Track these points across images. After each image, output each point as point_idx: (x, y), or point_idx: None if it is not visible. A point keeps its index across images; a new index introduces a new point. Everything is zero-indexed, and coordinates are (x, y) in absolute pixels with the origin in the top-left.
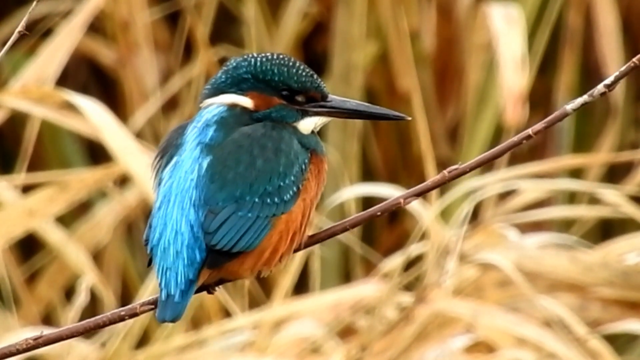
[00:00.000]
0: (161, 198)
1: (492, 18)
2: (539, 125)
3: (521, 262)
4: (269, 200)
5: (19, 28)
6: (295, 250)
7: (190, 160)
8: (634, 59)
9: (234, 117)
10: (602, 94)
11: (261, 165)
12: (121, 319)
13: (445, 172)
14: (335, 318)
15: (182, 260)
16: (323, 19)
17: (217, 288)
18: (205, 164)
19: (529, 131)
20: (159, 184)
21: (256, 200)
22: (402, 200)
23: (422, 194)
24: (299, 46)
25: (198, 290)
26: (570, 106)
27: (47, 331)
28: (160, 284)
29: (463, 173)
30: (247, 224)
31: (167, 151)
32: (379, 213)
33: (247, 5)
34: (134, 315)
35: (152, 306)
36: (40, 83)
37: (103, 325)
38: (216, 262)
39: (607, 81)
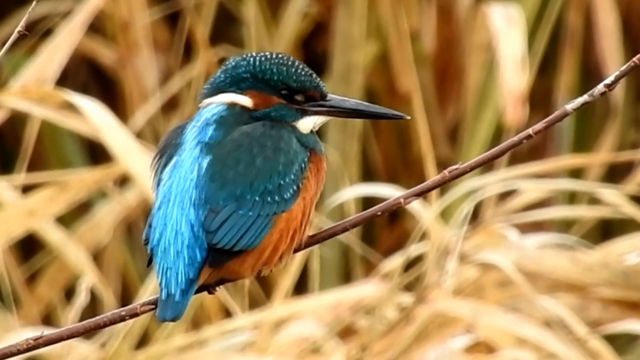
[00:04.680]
0: (161, 198)
1: (492, 18)
2: (539, 125)
3: (521, 262)
4: (269, 199)
5: (19, 28)
6: (296, 250)
7: (190, 160)
8: (634, 59)
9: (234, 116)
10: (602, 94)
11: (261, 163)
12: (122, 319)
13: (445, 172)
14: (335, 318)
15: (182, 259)
16: (323, 19)
17: (217, 288)
18: (205, 164)
19: (529, 131)
20: (159, 184)
21: (257, 198)
22: (402, 200)
23: (422, 194)
24: (299, 46)
25: (198, 291)
26: (570, 106)
27: (48, 331)
28: (160, 284)
29: (463, 173)
30: (248, 222)
31: (166, 151)
32: (379, 213)
33: (247, 6)
34: (134, 315)
35: (153, 306)
36: (40, 83)
37: (104, 325)
38: (217, 261)
39: (607, 81)
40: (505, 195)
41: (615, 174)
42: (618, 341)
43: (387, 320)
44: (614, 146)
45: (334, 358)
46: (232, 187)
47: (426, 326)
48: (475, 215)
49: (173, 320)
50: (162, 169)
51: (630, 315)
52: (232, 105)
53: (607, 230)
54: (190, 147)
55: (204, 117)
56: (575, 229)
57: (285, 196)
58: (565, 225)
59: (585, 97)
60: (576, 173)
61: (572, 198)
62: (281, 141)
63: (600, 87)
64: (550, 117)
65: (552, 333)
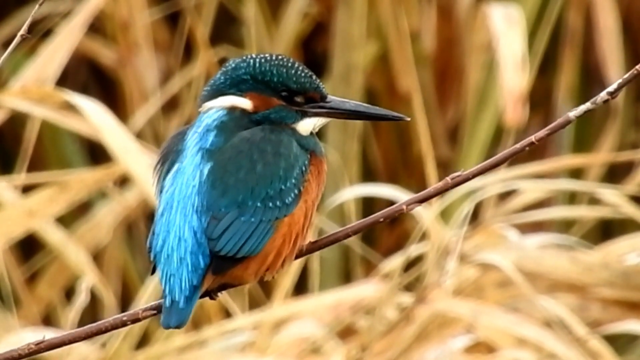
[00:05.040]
0: (163, 205)
1: (492, 18)
2: (541, 132)
3: (521, 263)
4: (271, 204)
5: (21, 31)
6: (297, 256)
7: (192, 167)
8: (637, 67)
9: (234, 120)
10: (605, 102)
11: (261, 169)
12: (123, 324)
13: (448, 178)
14: (336, 318)
15: (186, 266)
16: (323, 19)
17: (219, 293)
18: (206, 170)
19: (532, 138)
20: (161, 191)
21: (258, 204)
22: (405, 207)
23: (425, 200)
24: (299, 46)
25: (201, 296)
26: (573, 113)
27: (49, 334)
28: (164, 291)
29: (466, 180)
30: (251, 228)
31: (168, 157)
32: (381, 219)
33: (247, 6)
34: (136, 320)
35: (155, 311)
36: (40, 83)
37: (105, 330)
38: (221, 268)
39: (610, 89)
40: (505, 195)
41: (615, 174)
42: (618, 341)
43: (387, 320)
44: (614, 146)
45: (334, 358)
46: (234, 193)
47: (426, 326)
48: (475, 215)
49: (178, 327)
50: (165, 175)
51: (630, 315)
52: (232, 110)
53: (607, 230)
54: (192, 154)
55: (205, 123)
56: (575, 229)
57: (286, 200)
58: (565, 225)
59: (587, 105)
60: (576, 173)
61: (572, 198)
62: (281, 145)
63: (603, 95)
64: (553, 124)
65: (552, 333)
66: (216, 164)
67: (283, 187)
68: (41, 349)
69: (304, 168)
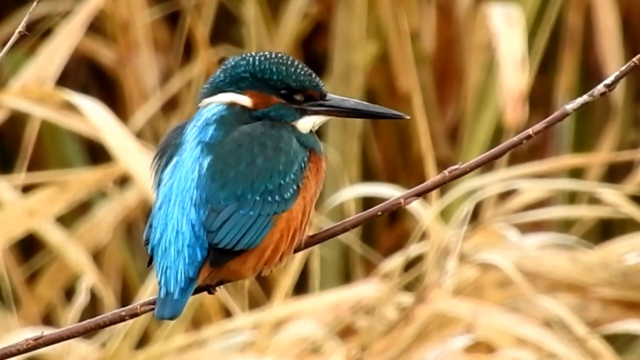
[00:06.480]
0: (162, 198)
1: (492, 18)
2: (539, 125)
3: (521, 262)
4: (270, 198)
5: (19, 28)
6: (296, 250)
7: (191, 160)
8: (634, 59)
9: (234, 115)
10: (602, 94)
11: (261, 163)
12: (122, 319)
13: (445, 172)
14: (335, 318)
15: (182, 259)
16: (323, 19)
17: (217, 288)
18: (205, 163)
19: (529, 131)
20: (159, 184)
21: (257, 198)
22: (402, 200)
23: (422, 194)
24: (299, 46)
25: (199, 291)
26: (570, 106)
27: (48, 331)
28: (159, 282)
29: (463, 173)
30: (249, 222)
31: (166, 151)
32: (379, 213)
33: (247, 5)
34: (134, 315)
35: (153, 306)
36: (40, 83)
37: (104, 325)
38: (218, 261)
39: (607, 81)
40: (505, 195)
41: (615, 174)
42: (618, 341)
43: (387, 320)
44: (614, 146)
45: (334, 358)
46: (233, 186)
47: (426, 326)
48: (475, 215)
49: (171, 318)
50: (163, 169)
51: (630, 315)
52: (231, 105)
53: (607, 230)
54: (191, 147)
55: (204, 117)
56: (575, 229)
57: (285, 196)
58: (565, 225)
59: (585, 97)
60: (576, 173)
61: (572, 198)
62: (281, 141)
63: (600, 87)
64: (550, 117)
65: (552, 333)
66: (216, 157)
67: (282, 182)
68: (39, 344)
69: (303, 164)
